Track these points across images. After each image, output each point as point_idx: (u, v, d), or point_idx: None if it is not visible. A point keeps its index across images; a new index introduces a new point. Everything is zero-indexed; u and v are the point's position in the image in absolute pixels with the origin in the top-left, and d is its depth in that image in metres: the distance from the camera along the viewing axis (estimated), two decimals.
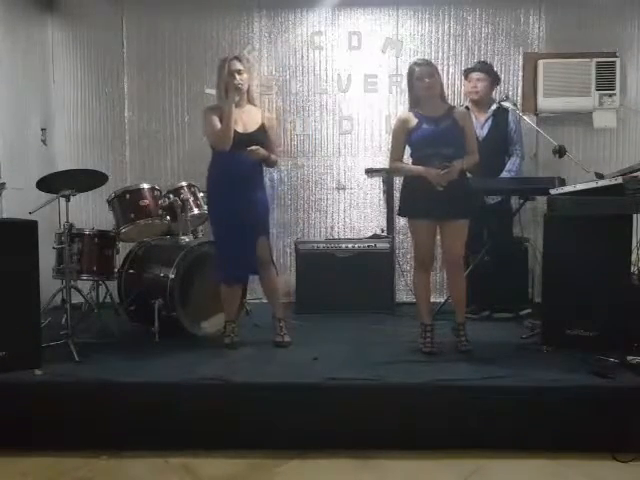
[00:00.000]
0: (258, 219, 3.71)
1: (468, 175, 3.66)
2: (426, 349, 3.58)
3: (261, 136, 3.67)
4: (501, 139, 4.44)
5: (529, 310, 4.45)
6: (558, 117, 5.07)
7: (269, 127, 3.75)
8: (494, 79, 4.54)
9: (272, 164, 3.83)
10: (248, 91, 3.68)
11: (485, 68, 4.52)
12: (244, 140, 3.57)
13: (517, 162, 4.47)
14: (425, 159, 3.47)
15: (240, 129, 3.60)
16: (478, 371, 3.23)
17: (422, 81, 3.47)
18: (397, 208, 3.76)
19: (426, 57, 5.11)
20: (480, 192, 4.00)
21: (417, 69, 3.50)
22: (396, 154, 3.60)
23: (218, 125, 3.56)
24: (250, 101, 3.72)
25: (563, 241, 3.55)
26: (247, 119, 3.65)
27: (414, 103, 3.57)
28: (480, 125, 4.41)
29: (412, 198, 3.55)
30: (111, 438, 3.04)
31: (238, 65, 3.58)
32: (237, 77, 3.56)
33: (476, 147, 3.61)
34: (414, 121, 3.51)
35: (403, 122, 3.56)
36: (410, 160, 3.62)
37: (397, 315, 4.66)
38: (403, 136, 3.55)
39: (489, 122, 4.44)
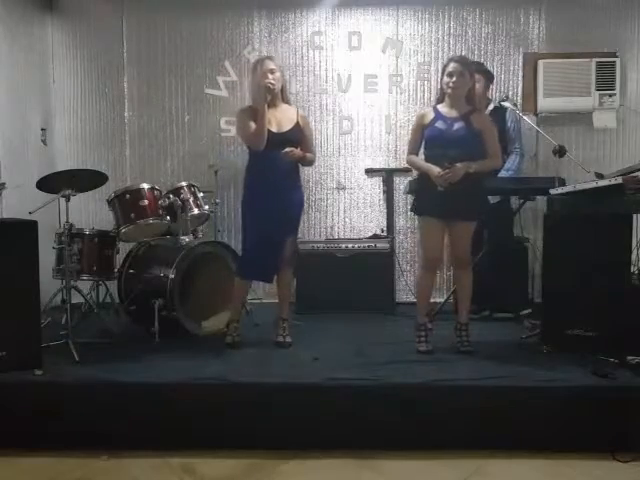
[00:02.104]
0: (290, 219, 3.71)
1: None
2: (422, 348, 3.59)
3: (296, 135, 3.65)
4: (499, 138, 4.42)
5: (529, 310, 4.45)
6: (558, 117, 5.07)
7: (304, 125, 3.72)
8: (487, 78, 4.52)
9: (308, 163, 3.80)
10: (282, 90, 3.68)
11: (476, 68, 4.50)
12: (279, 140, 3.57)
13: (516, 160, 4.46)
14: (434, 158, 3.47)
15: (274, 129, 3.59)
16: (478, 371, 3.23)
17: (450, 78, 3.46)
18: (411, 205, 3.80)
19: (426, 57, 5.17)
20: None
21: (450, 65, 3.48)
22: (412, 148, 3.63)
23: (252, 126, 3.55)
24: (285, 100, 3.71)
25: (563, 241, 3.55)
26: (281, 118, 3.64)
27: (440, 97, 3.58)
28: None
29: (424, 196, 3.57)
30: (111, 438, 3.03)
31: (271, 65, 3.58)
32: (269, 76, 3.55)
33: (498, 151, 3.59)
34: (430, 117, 3.53)
35: (421, 117, 3.59)
36: (423, 157, 3.61)
37: (397, 315, 4.67)
38: (420, 131, 3.57)
39: None
